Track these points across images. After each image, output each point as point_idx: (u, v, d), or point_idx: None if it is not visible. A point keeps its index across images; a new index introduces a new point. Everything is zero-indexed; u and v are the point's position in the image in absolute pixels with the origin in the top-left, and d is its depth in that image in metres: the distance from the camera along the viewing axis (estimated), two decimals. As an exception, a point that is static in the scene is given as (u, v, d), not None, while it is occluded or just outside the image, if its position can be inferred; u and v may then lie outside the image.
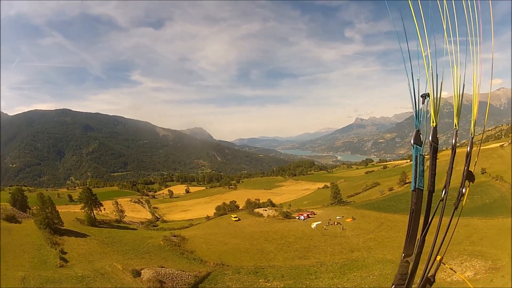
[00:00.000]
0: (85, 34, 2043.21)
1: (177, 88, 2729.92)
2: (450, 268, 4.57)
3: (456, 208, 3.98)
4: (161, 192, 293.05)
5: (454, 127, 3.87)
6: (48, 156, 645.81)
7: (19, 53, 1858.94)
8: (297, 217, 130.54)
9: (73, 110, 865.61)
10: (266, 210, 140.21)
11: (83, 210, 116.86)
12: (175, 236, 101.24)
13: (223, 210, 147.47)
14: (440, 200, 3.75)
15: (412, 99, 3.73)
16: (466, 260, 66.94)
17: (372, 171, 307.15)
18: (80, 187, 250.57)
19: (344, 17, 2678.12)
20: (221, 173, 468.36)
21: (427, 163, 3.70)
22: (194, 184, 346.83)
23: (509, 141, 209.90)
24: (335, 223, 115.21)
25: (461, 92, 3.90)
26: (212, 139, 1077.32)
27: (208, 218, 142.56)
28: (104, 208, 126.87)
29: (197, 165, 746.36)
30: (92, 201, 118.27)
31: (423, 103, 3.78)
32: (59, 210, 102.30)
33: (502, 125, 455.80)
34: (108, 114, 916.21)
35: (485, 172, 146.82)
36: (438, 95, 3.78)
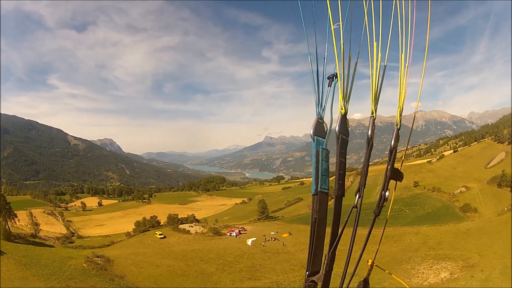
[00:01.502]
0: (14, 31, 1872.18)
1: (91, 97, 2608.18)
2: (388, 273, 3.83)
3: (377, 215, 3.25)
4: (73, 204, 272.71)
5: (371, 114, 3.01)
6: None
7: None
8: (228, 234, 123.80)
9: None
10: (192, 226, 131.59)
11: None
12: (98, 257, 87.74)
13: (144, 226, 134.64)
14: (353, 207, 2.94)
15: (313, 78, 2.91)
16: (434, 263, 70.61)
17: (289, 187, 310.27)
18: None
19: (264, 37, 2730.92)
20: (131, 187, 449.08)
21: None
22: (105, 196, 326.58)
23: (437, 157, 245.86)
24: (272, 239, 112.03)
25: (379, 74, 2.99)
26: (121, 151, 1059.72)
27: (129, 235, 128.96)
28: (19, 220, 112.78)
29: (106, 177, 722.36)
30: (6, 211, 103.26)
31: (329, 85, 2.92)
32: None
33: (419, 145, 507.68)
34: (24, 118, 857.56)
35: (418, 185, 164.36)
36: (350, 76, 2.86)
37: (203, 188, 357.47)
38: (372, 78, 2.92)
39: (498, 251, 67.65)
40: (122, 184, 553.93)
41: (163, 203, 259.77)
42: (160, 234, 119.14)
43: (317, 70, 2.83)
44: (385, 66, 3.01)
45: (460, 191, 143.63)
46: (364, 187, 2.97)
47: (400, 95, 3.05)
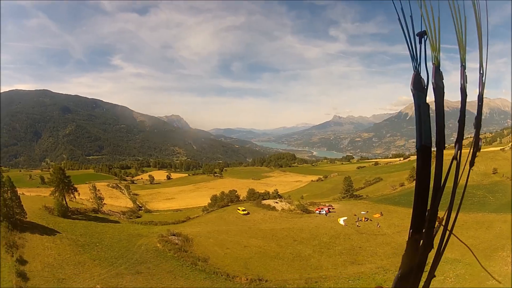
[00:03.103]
0: (70, 16, 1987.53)
1: (157, 75, 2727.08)
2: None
3: (472, 165, 3.06)
4: (139, 177, 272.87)
5: (462, 63, 2.98)
6: (25, 136, 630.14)
7: (4, 33, 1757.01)
8: (317, 211, 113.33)
9: (53, 91, 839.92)
10: (277, 203, 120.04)
11: (53, 196, 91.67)
12: (174, 235, 77.09)
13: (222, 201, 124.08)
14: (453, 158, 2.83)
15: (405, 37, 2.82)
16: None
17: (364, 166, 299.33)
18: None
19: (330, 16, 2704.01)
20: (198, 161, 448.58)
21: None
22: (173, 170, 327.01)
23: (509, 145, 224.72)
24: (364, 219, 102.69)
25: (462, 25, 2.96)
26: (188, 127, 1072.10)
27: (206, 210, 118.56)
28: (79, 193, 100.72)
29: (172, 152, 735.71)
30: (65, 185, 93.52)
31: (420, 42, 2.83)
32: (27, 194, 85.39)
33: (485, 133, 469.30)
34: (87, 97, 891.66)
35: (497, 172, 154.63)
36: (437, 31, 2.87)
37: (274, 164, 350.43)
38: (457, 31, 2.90)
39: None
40: (188, 159, 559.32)
41: (235, 178, 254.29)
42: (243, 210, 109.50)
43: (408, 32, 2.76)
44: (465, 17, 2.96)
45: None
46: (463, 138, 2.87)
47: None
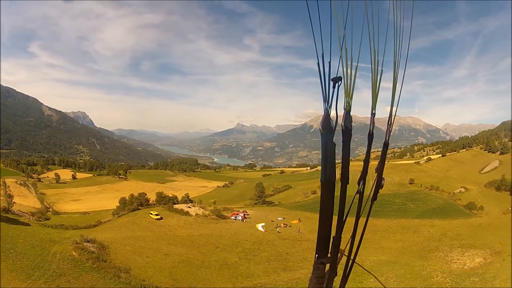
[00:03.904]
0: None
1: (69, 68, 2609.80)
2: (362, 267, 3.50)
3: (374, 200, 3.43)
4: (45, 175, 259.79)
5: (372, 111, 3.32)
6: None
7: None
8: (233, 217, 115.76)
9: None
10: (190, 207, 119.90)
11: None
12: (89, 242, 72.29)
13: (132, 204, 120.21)
14: (357, 193, 3.23)
15: (321, 81, 3.04)
16: (463, 251, 73.33)
17: (269, 174, 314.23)
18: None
19: (248, 25, 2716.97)
20: (100, 162, 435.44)
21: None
22: (77, 170, 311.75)
23: (425, 158, 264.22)
24: (283, 225, 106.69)
25: (379, 76, 3.37)
26: (93, 125, 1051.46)
27: (117, 214, 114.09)
28: None
29: (76, 151, 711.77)
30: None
31: (333, 87, 3.07)
32: None
33: (393, 148, 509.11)
34: (2, 84, 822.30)
35: (414, 183, 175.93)
36: (353, 78, 3.16)
37: (178, 168, 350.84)
38: (373, 80, 3.22)
39: None
40: (92, 159, 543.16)
41: (140, 180, 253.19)
42: (156, 215, 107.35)
43: (324, 76, 2.99)
44: (382, 71, 3.31)
45: (460, 191, 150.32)
46: (366, 175, 3.25)
47: (393, 95, 3.37)
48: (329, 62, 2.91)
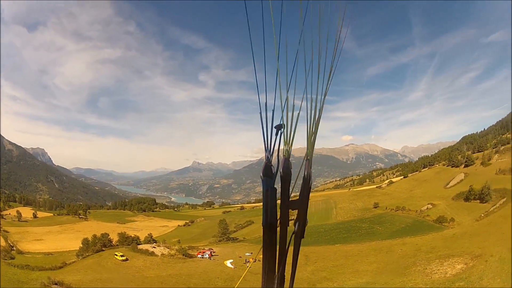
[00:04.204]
0: None
1: (30, 102, 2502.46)
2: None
3: (302, 237, 3.53)
4: (7, 212, 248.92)
5: (307, 157, 3.57)
6: None
7: None
8: (200, 255, 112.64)
9: None
10: (155, 247, 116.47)
11: None
12: (56, 284, 70.85)
13: (95, 245, 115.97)
14: (292, 233, 3.42)
15: (263, 130, 3.37)
16: (442, 262, 72.32)
17: (229, 211, 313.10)
18: None
19: (203, 60, 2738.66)
20: (60, 201, 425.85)
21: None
22: (37, 209, 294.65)
23: (386, 182, 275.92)
24: (252, 260, 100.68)
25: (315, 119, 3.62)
26: (51, 163, 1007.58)
27: (81, 255, 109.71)
28: None
29: (36, 189, 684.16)
30: None
31: (276, 134, 3.39)
32: None
33: (352, 176, 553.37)
34: None
35: (379, 206, 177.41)
36: (294, 127, 3.47)
37: (137, 208, 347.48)
38: (308, 125, 3.44)
39: (496, 243, 73.69)
40: (51, 198, 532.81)
41: (100, 221, 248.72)
42: (121, 256, 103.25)
43: (267, 125, 3.28)
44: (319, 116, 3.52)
45: (427, 208, 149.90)
46: (305, 216, 3.43)
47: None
48: (273, 111, 3.24)
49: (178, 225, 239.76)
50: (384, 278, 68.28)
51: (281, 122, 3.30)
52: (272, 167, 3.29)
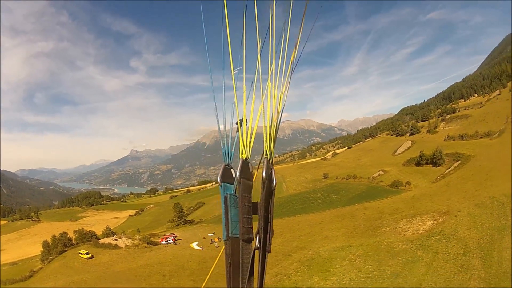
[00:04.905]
0: None
1: None
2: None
3: (269, 252, 3.03)
4: None
5: (265, 155, 3.08)
6: None
7: None
8: (164, 242, 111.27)
9: None
10: (117, 240, 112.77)
11: None
12: None
13: (56, 247, 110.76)
14: (255, 249, 2.99)
15: (219, 129, 3.04)
16: (411, 220, 73.44)
17: (176, 195, 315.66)
18: None
19: (134, 46, 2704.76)
20: (10, 207, 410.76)
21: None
22: None
23: (331, 153, 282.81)
24: (218, 239, 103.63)
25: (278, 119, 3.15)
26: None
27: (46, 259, 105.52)
28: None
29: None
30: None
31: (237, 131, 3.09)
32: None
33: (291, 152, 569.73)
34: None
35: (328, 177, 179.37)
36: (253, 123, 3.10)
37: (85, 203, 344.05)
38: (266, 121, 3.01)
39: (460, 200, 76.24)
40: (2, 205, 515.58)
41: (53, 221, 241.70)
42: (86, 253, 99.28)
43: (224, 123, 2.97)
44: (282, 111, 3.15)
45: (379, 174, 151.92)
46: (266, 228, 2.94)
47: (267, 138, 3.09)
48: (230, 105, 2.93)
49: (129, 215, 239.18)
50: (357, 240, 69.07)
51: (240, 118, 2.99)
52: (232, 170, 3.01)
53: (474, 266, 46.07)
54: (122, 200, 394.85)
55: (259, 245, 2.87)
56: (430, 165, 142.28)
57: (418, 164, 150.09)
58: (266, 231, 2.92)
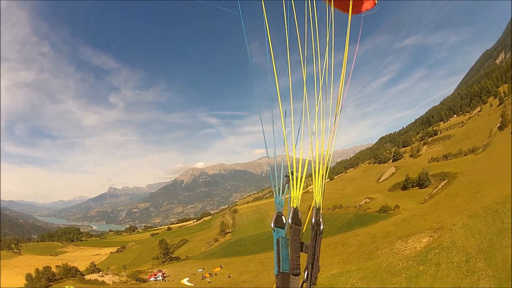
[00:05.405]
0: None
1: None
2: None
3: (306, 281, 3.82)
4: None
5: (315, 205, 4.03)
6: None
7: None
8: (153, 278, 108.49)
9: None
10: (103, 276, 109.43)
11: None
12: None
13: (40, 281, 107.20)
14: (303, 282, 3.74)
15: (272, 181, 3.79)
16: (406, 240, 71.58)
17: (157, 233, 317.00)
18: None
19: (113, 82, 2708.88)
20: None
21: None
22: None
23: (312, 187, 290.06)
24: (209, 274, 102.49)
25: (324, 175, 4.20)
26: None
27: None
28: None
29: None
30: None
31: (287, 182, 3.84)
32: None
33: (267, 188, 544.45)
34: None
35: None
36: (300, 177, 3.92)
37: (65, 238, 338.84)
38: (315, 174, 3.99)
39: (452, 215, 75.10)
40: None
41: (33, 254, 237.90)
42: None
43: (276, 177, 3.71)
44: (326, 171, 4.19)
45: (365, 202, 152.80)
46: (317, 265, 3.79)
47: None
48: (281, 164, 3.77)
49: (111, 252, 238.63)
50: (355, 265, 67.92)
51: (287, 173, 3.80)
52: (283, 217, 3.62)
53: (480, 268, 45.53)
54: (101, 237, 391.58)
55: (306, 279, 3.63)
56: (417, 187, 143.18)
57: (404, 188, 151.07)
58: (313, 267, 3.68)
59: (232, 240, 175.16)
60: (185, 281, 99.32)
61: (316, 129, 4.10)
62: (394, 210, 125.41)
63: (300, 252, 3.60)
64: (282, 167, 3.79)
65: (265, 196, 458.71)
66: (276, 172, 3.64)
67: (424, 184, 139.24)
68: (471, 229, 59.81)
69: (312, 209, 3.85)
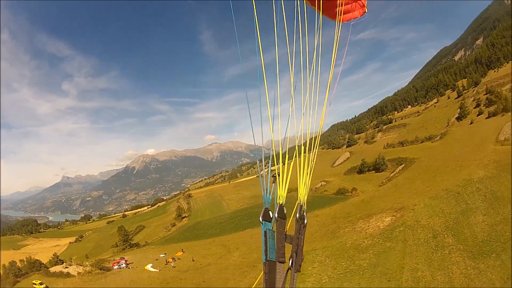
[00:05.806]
0: None
1: None
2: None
3: (291, 268, 4.29)
4: None
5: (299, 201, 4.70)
6: None
7: None
8: (116, 266, 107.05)
9: None
10: (67, 267, 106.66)
11: None
12: None
13: (8, 277, 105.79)
14: (288, 269, 4.18)
15: (260, 177, 4.36)
16: (369, 219, 72.44)
17: (113, 220, 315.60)
18: None
19: (67, 69, 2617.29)
20: None
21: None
22: None
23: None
24: (172, 259, 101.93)
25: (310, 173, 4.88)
26: None
27: None
28: None
29: None
30: None
31: (273, 182, 4.45)
32: None
33: (218, 174, 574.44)
34: None
35: None
36: (285, 176, 4.57)
37: (24, 231, 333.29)
38: (300, 174, 4.45)
39: (412, 197, 77.54)
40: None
41: None
42: (40, 284, 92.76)
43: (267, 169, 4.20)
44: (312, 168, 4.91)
45: (321, 185, 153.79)
46: (297, 253, 4.29)
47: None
48: (269, 159, 4.33)
49: (70, 242, 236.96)
50: (319, 244, 67.82)
51: (274, 174, 4.42)
52: (270, 212, 4.21)
53: (449, 243, 47.89)
54: (58, 227, 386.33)
55: (291, 266, 4.13)
56: (373, 171, 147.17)
57: (361, 171, 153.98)
58: (297, 255, 4.17)
59: (190, 224, 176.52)
60: (149, 267, 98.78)
61: (301, 132, 4.78)
62: (351, 193, 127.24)
63: (285, 243, 4.26)
64: (269, 167, 4.50)
65: (216, 182, 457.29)
66: (264, 175, 4.29)
67: (381, 168, 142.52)
68: (433, 209, 62.04)
69: (297, 205, 4.53)
